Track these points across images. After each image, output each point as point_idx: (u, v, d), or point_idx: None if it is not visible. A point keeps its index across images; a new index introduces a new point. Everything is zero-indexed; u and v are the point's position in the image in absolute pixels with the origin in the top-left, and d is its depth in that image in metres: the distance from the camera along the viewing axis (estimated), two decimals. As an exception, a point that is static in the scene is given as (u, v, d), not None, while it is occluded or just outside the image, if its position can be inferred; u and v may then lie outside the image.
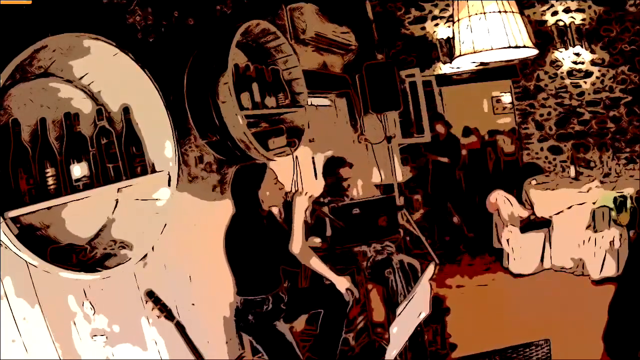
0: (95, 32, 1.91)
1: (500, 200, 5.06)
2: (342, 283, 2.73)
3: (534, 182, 5.28)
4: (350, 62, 4.90)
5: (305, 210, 2.68)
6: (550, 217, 4.83)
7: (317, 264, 2.72)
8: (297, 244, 2.59)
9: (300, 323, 3.01)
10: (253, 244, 2.53)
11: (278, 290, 2.60)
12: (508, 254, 4.99)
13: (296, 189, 3.19)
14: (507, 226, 5.00)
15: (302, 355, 2.70)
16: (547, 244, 4.86)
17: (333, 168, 3.66)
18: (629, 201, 4.48)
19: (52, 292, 1.92)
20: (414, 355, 3.17)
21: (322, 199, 3.49)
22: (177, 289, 2.49)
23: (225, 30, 2.77)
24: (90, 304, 2.05)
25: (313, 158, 4.12)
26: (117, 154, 2.05)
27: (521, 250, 4.91)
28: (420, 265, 3.51)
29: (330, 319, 2.72)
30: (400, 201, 4.74)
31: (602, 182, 4.94)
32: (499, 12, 4.03)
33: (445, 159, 5.73)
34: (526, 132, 6.04)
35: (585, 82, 5.71)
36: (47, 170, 1.79)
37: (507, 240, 4.96)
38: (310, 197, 2.68)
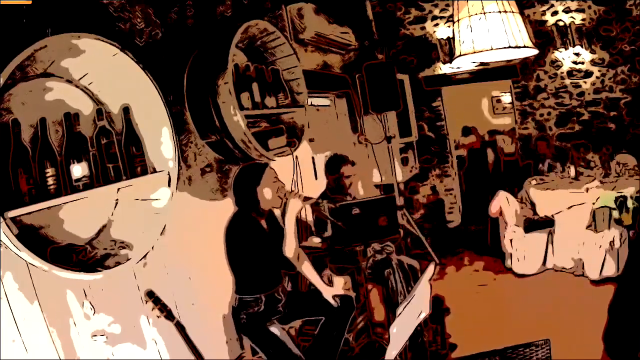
0: (95, 32, 1.91)
1: (504, 201, 5.02)
2: (328, 291, 2.71)
3: (533, 182, 5.27)
4: (350, 62, 4.90)
5: (300, 211, 2.64)
6: (553, 216, 4.82)
7: (308, 270, 2.69)
8: (289, 247, 2.55)
9: (298, 322, 2.99)
10: (251, 243, 2.53)
11: (273, 291, 2.60)
12: (511, 255, 4.95)
13: (294, 190, 3.18)
14: (510, 226, 4.95)
15: (300, 351, 2.69)
16: (550, 244, 4.83)
17: (335, 166, 3.66)
18: (629, 201, 4.48)
19: (52, 292, 1.92)
20: (414, 355, 3.16)
21: (320, 200, 3.48)
22: (177, 289, 2.49)
23: (225, 30, 2.77)
24: (90, 303, 2.05)
25: (313, 158, 4.12)
26: (117, 154, 2.05)
27: (525, 251, 4.86)
28: (420, 266, 3.52)
29: (330, 328, 2.68)
30: (400, 201, 4.74)
31: (602, 182, 4.94)
32: (499, 12, 4.03)
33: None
34: (526, 132, 6.04)
35: (585, 82, 5.71)
36: (47, 170, 1.79)
37: (511, 241, 4.90)
38: (304, 199, 2.62)
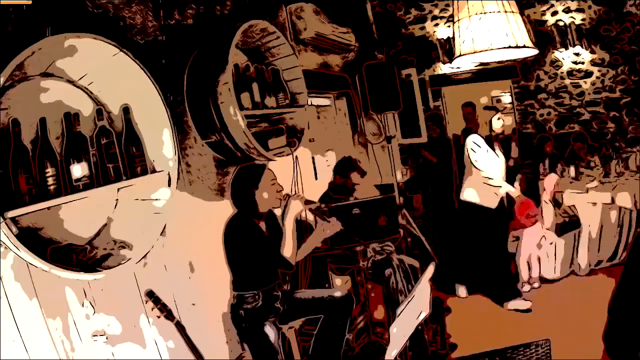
0: (95, 32, 1.91)
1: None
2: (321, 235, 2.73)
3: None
4: (350, 62, 4.90)
5: (300, 213, 2.63)
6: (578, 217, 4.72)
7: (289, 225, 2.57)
8: (288, 248, 2.53)
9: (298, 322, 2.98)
10: (249, 244, 2.53)
11: (270, 288, 2.60)
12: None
13: (294, 191, 3.18)
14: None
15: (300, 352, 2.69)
16: (576, 246, 4.72)
17: (345, 170, 3.66)
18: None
19: (52, 292, 1.92)
20: (414, 355, 3.17)
21: (320, 204, 3.47)
22: (177, 289, 2.49)
23: (225, 30, 2.77)
24: (90, 303, 2.05)
25: (313, 158, 4.12)
26: (117, 154, 2.05)
27: (549, 255, 4.70)
28: (420, 265, 3.52)
29: (330, 327, 2.66)
30: (400, 201, 4.74)
31: (602, 183, 4.93)
32: (499, 12, 4.03)
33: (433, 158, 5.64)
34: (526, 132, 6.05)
35: (585, 82, 5.72)
36: (47, 170, 1.79)
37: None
38: (305, 202, 2.59)
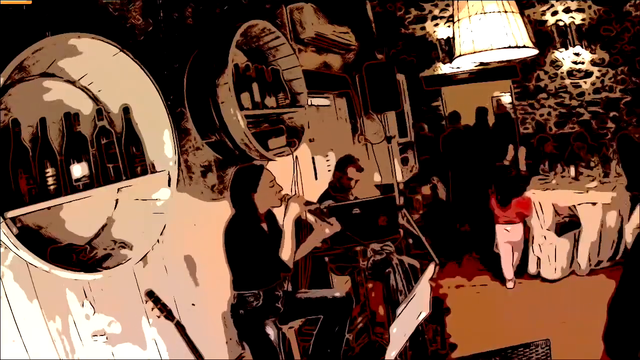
0: (95, 32, 1.91)
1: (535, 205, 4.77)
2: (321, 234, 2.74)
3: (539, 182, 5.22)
4: (350, 62, 4.90)
5: (299, 215, 2.63)
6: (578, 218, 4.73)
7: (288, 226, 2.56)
8: (286, 250, 2.53)
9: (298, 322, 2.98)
10: (250, 244, 2.53)
11: (272, 287, 2.60)
12: (538, 260, 4.81)
13: (295, 192, 3.18)
14: (539, 231, 4.80)
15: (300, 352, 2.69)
16: (576, 246, 4.73)
17: (343, 165, 3.67)
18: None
19: (52, 292, 1.92)
20: (414, 355, 3.17)
21: (319, 205, 3.47)
22: (177, 289, 2.49)
23: (225, 30, 2.77)
24: (90, 303, 2.05)
25: (313, 158, 4.12)
26: (117, 154, 2.05)
27: (550, 255, 4.75)
28: (420, 265, 3.52)
29: (330, 327, 2.66)
30: (400, 201, 4.74)
31: (602, 182, 4.93)
32: (499, 12, 4.03)
33: None
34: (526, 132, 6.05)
35: (585, 82, 5.71)
36: (47, 170, 1.79)
37: (540, 246, 4.76)
38: (304, 204, 2.60)
